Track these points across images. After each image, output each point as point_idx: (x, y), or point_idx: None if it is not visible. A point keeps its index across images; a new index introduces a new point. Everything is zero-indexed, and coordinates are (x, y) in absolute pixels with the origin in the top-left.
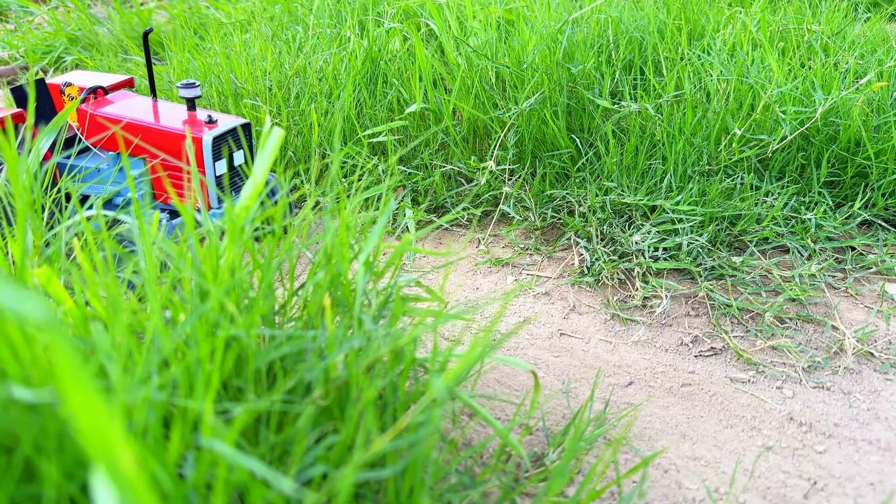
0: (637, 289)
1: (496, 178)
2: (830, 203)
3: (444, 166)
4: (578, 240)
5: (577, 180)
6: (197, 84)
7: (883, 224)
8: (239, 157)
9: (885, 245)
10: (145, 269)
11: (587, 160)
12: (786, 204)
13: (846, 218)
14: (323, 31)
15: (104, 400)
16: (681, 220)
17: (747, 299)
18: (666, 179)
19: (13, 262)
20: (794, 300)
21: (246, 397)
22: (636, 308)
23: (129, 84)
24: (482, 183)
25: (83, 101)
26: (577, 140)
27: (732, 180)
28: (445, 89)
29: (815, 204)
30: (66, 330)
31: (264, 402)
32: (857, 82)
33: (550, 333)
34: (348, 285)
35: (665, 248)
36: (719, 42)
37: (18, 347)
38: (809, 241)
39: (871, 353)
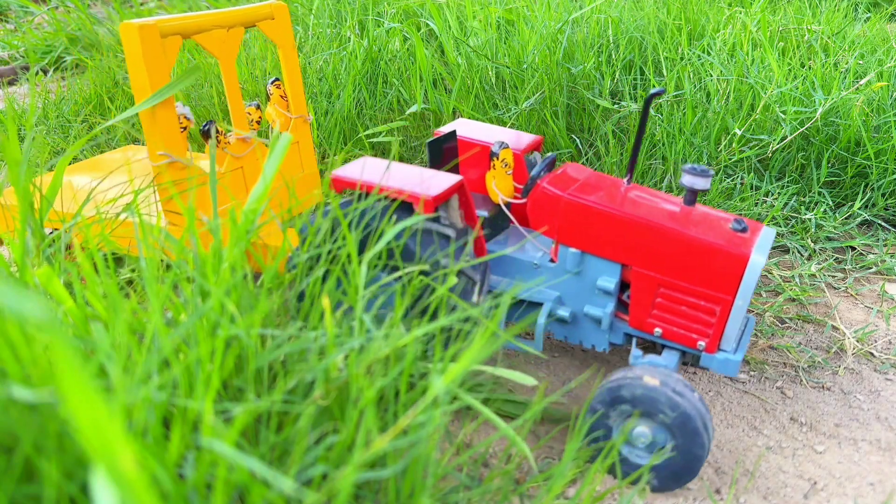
0: None
1: None
2: (830, 203)
3: None
4: None
5: None
6: (710, 172)
7: (883, 224)
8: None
9: (885, 245)
10: (146, 269)
11: (587, 160)
12: (786, 204)
13: (846, 218)
14: (323, 31)
15: (104, 400)
16: None
17: None
18: (666, 179)
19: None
20: (794, 300)
21: (246, 397)
22: None
23: (538, 145)
24: None
25: (535, 179)
26: (577, 140)
27: (732, 180)
28: (445, 89)
29: (815, 204)
30: (66, 330)
31: (264, 402)
32: (857, 82)
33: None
34: (355, 287)
35: None
36: (719, 42)
37: (18, 347)
38: (809, 241)
39: (871, 353)
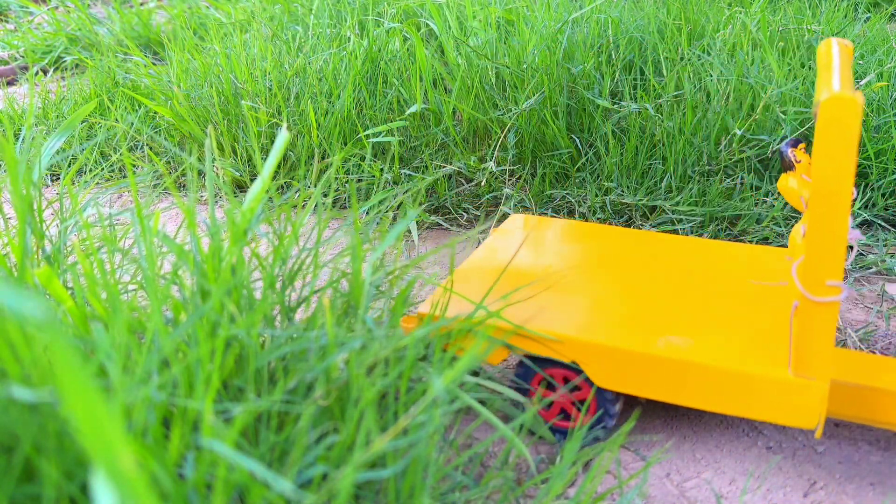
0: None
1: (496, 178)
2: None
3: (444, 166)
4: None
5: (576, 180)
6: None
7: (883, 224)
8: None
9: (885, 245)
10: (146, 268)
11: (587, 160)
12: (786, 204)
13: None
14: (323, 31)
15: (104, 400)
16: (681, 221)
17: None
18: (666, 179)
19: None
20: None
21: (246, 397)
22: None
23: None
24: (483, 184)
25: None
26: (577, 140)
27: (732, 180)
28: (445, 89)
29: None
30: (66, 330)
31: (264, 401)
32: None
33: None
34: (359, 287)
35: None
36: (719, 42)
37: (18, 347)
38: None
39: (872, 354)
